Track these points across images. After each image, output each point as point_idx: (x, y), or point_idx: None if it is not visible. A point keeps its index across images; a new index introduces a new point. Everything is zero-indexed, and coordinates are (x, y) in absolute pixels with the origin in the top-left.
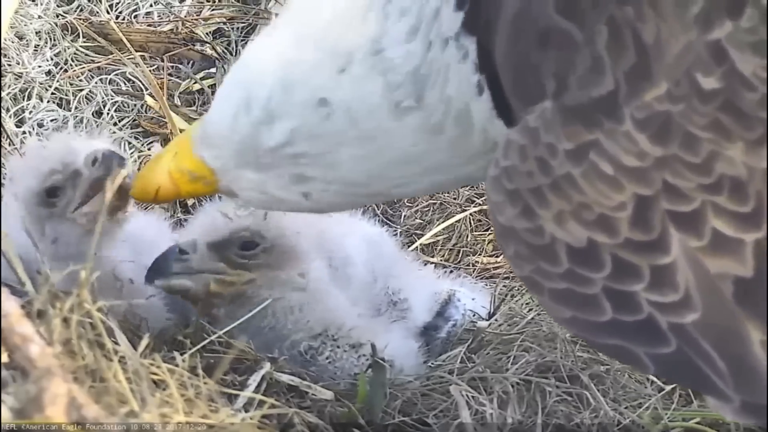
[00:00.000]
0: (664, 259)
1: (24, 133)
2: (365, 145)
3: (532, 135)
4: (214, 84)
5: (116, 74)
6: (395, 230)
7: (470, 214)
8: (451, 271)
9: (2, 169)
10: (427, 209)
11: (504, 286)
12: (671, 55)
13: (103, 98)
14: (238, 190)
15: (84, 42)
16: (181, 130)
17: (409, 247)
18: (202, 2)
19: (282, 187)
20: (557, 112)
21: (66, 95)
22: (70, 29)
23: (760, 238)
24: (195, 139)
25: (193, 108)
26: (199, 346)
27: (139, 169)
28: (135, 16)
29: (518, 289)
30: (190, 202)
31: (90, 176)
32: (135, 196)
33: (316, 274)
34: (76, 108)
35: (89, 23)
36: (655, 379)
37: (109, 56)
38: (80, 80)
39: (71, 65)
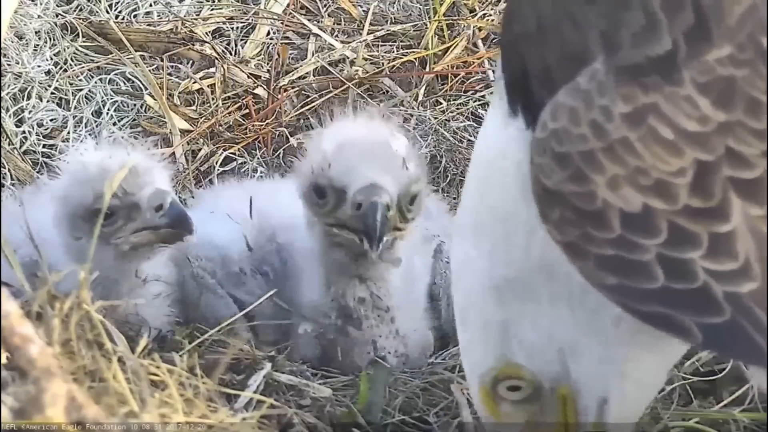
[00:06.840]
0: (724, 226)
1: (23, 132)
2: None
3: (584, 98)
4: (214, 84)
5: (116, 74)
6: None
7: None
8: None
9: (2, 169)
10: None
11: None
12: (733, 18)
13: (102, 98)
14: None
15: (83, 41)
16: (180, 130)
17: None
18: (201, 2)
19: None
20: (610, 72)
21: (65, 95)
22: (69, 29)
23: None
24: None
25: (193, 107)
26: (195, 343)
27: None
28: (134, 16)
29: None
30: None
31: (151, 219)
32: None
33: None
34: (75, 108)
35: (89, 23)
36: None
37: (109, 56)
38: (80, 80)
39: (71, 65)
